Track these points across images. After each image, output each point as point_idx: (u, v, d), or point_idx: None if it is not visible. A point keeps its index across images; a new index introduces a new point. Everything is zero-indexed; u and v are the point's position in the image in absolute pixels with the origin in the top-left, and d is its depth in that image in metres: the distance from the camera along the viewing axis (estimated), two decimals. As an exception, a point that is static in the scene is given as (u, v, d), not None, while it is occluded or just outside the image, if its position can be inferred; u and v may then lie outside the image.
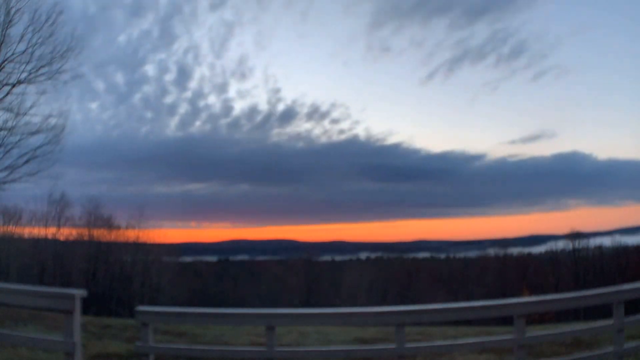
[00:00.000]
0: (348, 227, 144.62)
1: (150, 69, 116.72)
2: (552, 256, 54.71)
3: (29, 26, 12.80)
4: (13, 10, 12.62)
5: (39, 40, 12.94)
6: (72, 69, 13.50)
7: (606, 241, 54.00)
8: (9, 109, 13.28)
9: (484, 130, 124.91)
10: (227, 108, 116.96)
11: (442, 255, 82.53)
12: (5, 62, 12.92)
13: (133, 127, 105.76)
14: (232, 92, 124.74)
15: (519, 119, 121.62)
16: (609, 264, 49.31)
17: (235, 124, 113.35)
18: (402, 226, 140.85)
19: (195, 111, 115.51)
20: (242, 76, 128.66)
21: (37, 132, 13.64)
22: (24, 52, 12.94)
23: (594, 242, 52.92)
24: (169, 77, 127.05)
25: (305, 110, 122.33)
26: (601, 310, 5.83)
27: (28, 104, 13.43)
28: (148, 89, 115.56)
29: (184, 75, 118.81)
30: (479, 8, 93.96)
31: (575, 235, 51.86)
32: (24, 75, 13.11)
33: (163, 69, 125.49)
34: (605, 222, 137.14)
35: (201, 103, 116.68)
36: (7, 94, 13.17)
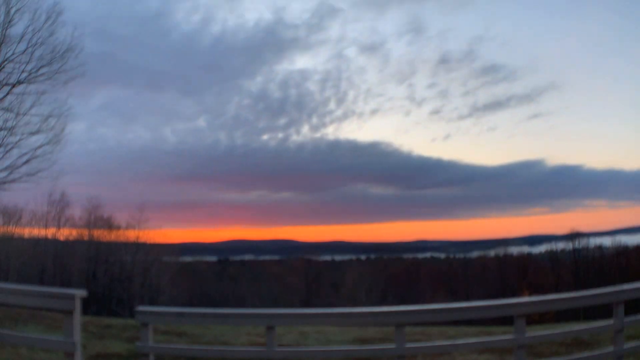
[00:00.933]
0: (348, 227, 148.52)
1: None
2: (552, 256, 54.56)
3: (29, 26, 12.78)
4: (13, 10, 12.62)
5: (39, 40, 12.94)
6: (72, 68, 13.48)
7: (606, 241, 54.07)
8: (9, 109, 13.26)
9: (481, 155, 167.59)
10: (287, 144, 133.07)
11: (442, 255, 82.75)
12: (5, 62, 12.90)
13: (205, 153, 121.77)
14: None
15: (504, 154, 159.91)
16: (609, 264, 49.25)
17: (284, 152, 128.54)
18: (402, 226, 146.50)
19: (267, 147, 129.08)
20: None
21: (37, 132, 13.64)
22: (24, 52, 12.92)
23: (594, 242, 52.90)
24: (266, 137, 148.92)
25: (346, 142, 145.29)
26: (601, 310, 5.83)
27: (28, 104, 13.44)
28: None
29: (284, 139, 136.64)
30: (465, 114, 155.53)
31: (575, 235, 51.77)
32: (24, 75, 13.09)
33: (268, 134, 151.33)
34: (605, 222, 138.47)
35: (280, 145, 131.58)
36: (7, 94, 13.15)
